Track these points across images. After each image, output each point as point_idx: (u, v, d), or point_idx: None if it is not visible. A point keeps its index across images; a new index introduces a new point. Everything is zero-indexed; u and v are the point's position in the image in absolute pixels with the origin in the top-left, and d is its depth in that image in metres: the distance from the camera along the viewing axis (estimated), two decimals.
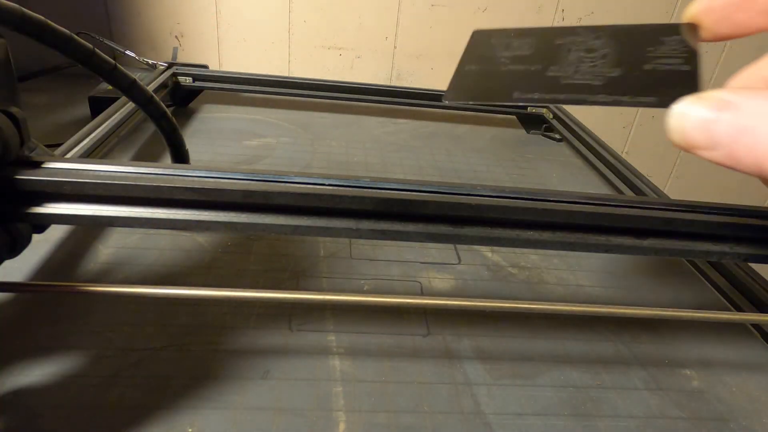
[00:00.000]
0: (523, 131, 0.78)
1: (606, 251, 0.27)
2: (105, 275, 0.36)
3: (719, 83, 0.15)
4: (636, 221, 0.27)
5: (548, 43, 0.19)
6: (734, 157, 0.14)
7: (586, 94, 0.18)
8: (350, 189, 0.25)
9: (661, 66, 0.17)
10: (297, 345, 0.32)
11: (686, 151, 0.15)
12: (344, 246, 0.43)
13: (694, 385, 0.34)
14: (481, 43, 0.20)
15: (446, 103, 0.20)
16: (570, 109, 0.76)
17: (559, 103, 0.18)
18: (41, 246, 0.38)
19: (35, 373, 0.28)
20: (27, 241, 0.26)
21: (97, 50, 0.31)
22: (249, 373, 0.30)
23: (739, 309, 0.41)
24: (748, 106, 0.13)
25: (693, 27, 0.17)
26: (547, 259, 0.45)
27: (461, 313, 0.37)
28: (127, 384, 0.28)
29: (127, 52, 0.70)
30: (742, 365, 0.36)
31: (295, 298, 0.33)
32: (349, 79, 0.87)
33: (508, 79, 0.19)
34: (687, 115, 0.14)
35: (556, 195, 0.27)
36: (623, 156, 0.64)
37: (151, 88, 0.52)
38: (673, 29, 0.17)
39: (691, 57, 0.17)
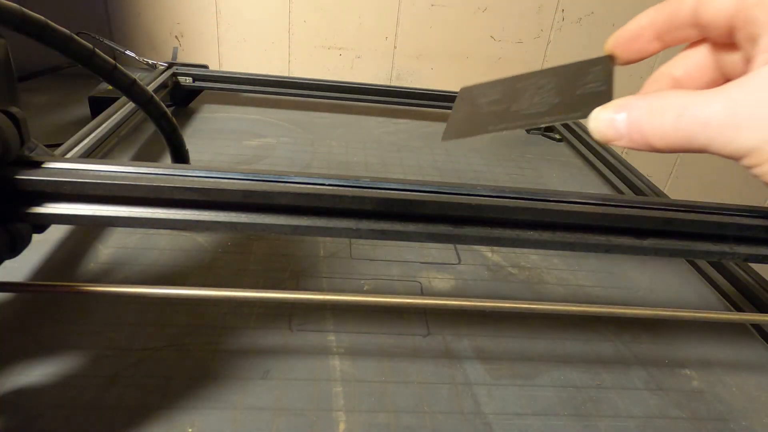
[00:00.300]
0: (523, 131, 0.78)
1: (606, 251, 0.27)
2: (105, 275, 0.36)
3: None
4: (636, 221, 0.27)
5: (512, 87, 0.25)
6: (632, 141, 0.20)
7: (536, 119, 0.23)
8: (350, 189, 0.25)
9: (587, 90, 0.23)
10: (297, 345, 0.32)
11: (605, 143, 0.21)
12: (344, 246, 0.43)
13: (694, 385, 0.34)
14: (466, 96, 0.26)
15: (444, 141, 0.25)
16: None
17: (518, 128, 0.24)
18: (41, 246, 0.38)
19: (35, 373, 0.28)
20: (27, 241, 0.26)
21: (97, 50, 0.31)
22: (249, 373, 0.30)
23: (739, 309, 0.41)
24: (635, 106, 0.20)
25: (610, 57, 0.23)
26: (547, 259, 0.45)
27: (461, 313, 0.37)
28: (127, 384, 0.28)
29: (127, 52, 0.70)
30: (742, 365, 0.36)
31: (295, 298, 0.33)
32: (349, 79, 0.87)
33: (484, 118, 0.25)
34: (599, 119, 0.21)
35: (556, 195, 0.27)
36: (623, 156, 0.64)
37: (151, 88, 0.52)
38: (597, 62, 0.24)
39: (608, 79, 0.23)
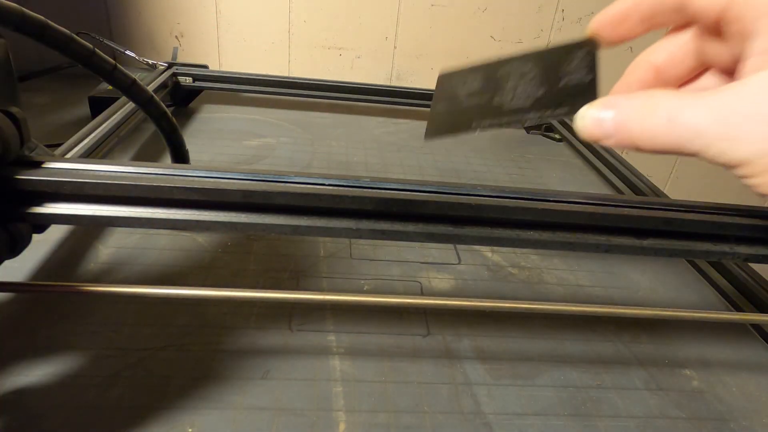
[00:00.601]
0: (523, 131, 0.78)
1: (606, 251, 0.27)
2: (105, 275, 0.36)
3: None
4: (636, 221, 0.27)
5: (492, 75, 0.22)
6: (619, 141, 0.19)
7: (520, 115, 0.22)
8: (350, 189, 0.25)
9: (572, 80, 0.21)
10: (297, 345, 0.32)
11: (591, 142, 0.20)
12: (344, 246, 0.43)
13: (694, 385, 0.34)
14: (446, 84, 0.23)
15: (426, 140, 0.23)
16: None
17: (503, 127, 0.22)
18: (41, 246, 0.38)
19: (35, 373, 0.28)
20: (27, 241, 0.26)
21: (97, 50, 0.31)
22: (249, 373, 0.30)
23: (739, 309, 0.41)
24: (623, 106, 0.19)
25: (594, 40, 0.22)
26: (547, 259, 0.45)
27: (461, 313, 0.37)
28: (127, 384, 0.28)
29: (127, 52, 0.70)
30: (742, 365, 0.36)
31: (295, 298, 0.33)
32: (349, 79, 0.87)
33: (467, 113, 0.23)
34: (586, 117, 0.20)
35: (556, 195, 0.27)
36: (623, 156, 0.64)
37: (151, 88, 0.52)
38: (581, 44, 0.22)
39: (593, 66, 0.21)
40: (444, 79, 0.23)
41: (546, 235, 0.27)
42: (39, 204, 0.25)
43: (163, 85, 0.63)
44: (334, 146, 0.64)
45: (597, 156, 0.65)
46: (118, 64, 0.33)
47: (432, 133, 0.23)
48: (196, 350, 0.31)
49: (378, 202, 0.25)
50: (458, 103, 0.23)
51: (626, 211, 0.27)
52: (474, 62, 0.22)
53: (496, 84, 0.22)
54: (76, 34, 0.29)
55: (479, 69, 0.23)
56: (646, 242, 0.27)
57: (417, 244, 0.44)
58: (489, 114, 0.22)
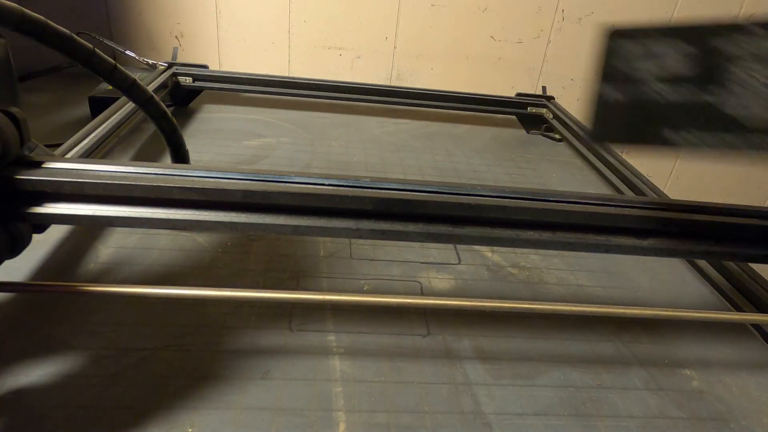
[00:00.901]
0: (523, 131, 0.78)
1: (606, 251, 0.27)
2: (105, 275, 0.36)
3: None
4: (636, 221, 0.27)
5: (700, 47, 0.13)
6: None
7: (760, 134, 0.12)
8: (350, 189, 0.25)
9: None
10: (297, 345, 0.32)
11: None
12: (344, 246, 0.43)
13: (694, 385, 0.34)
14: (619, 52, 0.14)
15: (593, 144, 0.15)
16: (570, 108, 0.76)
17: (720, 148, 0.13)
18: (41, 246, 0.38)
19: (35, 373, 0.28)
20: (27, 241, 0.26)
21: (97, 50, 0.31)
22: (249, 373, 0.30)
23: (739, 309, 0.41)
24: None
25: None
26: (547, 259, 0.45)
27: (461, 313, 0.37)
28: (127, 384, 0.28)
29: (127, 52, 0.70)
30: (742, 365, 0.36)
31: (295, 298, 0.33)
32: (349, 79, 0.87)
33: (656, 110, 0.14)
34: None
35: (556, 195, 0.27)
36: (623, 156, 0.64)
37: (151, 88, 0.52)
38: None
39: None
40: (617, 40, 0.14)
41: (546, 235, 0.27)
42: (39, 204, 0.25)
43: (163, 85, 0.63)
44: (334, 146, 0.64)
45: (597, 156, 0.65)
46: (118, 64, 0.33)
47: (602, 134, 0.16)
48: (196, 350, 0.31)
49: (378, 202, 0.25)
50: (641, 90, 0.14)
51: (626, 211, 0.27)
52: (662, 21, 0.13)
53: (710, 65, 0.13)
54: (76, 34, 0.29)
55: (675, 33, 0.13)
56: (646, 242, 0.27)
57: (417, 244, 0.44)
58: (696, 119, 0.13)
